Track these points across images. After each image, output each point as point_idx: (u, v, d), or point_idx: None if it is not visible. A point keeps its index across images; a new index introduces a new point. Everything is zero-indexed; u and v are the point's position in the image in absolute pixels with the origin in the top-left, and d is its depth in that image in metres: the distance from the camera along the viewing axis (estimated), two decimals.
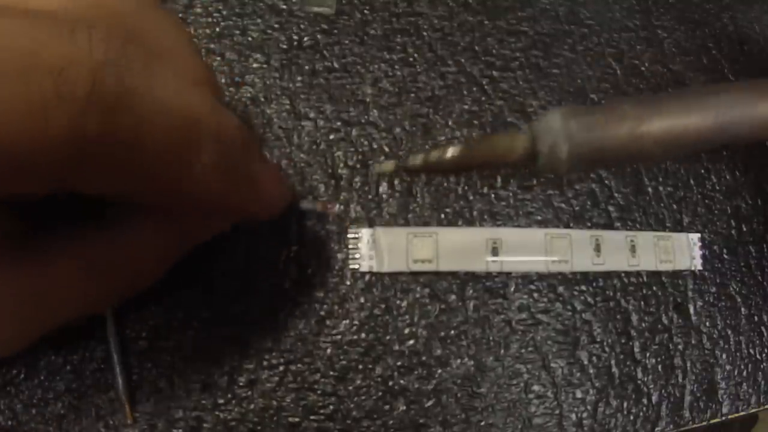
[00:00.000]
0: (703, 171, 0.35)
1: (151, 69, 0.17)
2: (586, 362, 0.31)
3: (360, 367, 0.30)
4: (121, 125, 0.16)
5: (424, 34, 0.35)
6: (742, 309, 0.33)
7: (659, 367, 0.32)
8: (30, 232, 0.20)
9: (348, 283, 0.31)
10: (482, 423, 0.30)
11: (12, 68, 0.14)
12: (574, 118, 0.22)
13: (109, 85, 0.15)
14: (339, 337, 0.30)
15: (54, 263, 0.20)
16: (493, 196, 0.33)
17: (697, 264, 0.33)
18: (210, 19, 0.33)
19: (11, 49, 0.14)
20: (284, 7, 0.34)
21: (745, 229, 0.34)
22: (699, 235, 0.34)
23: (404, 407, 0.30)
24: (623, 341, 0.32)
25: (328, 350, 0.30)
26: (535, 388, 0.31)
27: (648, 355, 0.32)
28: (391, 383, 0.30)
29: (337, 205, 0.31)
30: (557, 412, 0.31)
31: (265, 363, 0.30)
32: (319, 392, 0.30)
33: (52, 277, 0.20)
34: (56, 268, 0.20)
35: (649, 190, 0.34)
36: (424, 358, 0.31)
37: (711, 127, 0.21)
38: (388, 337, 0.30)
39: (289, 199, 0.26)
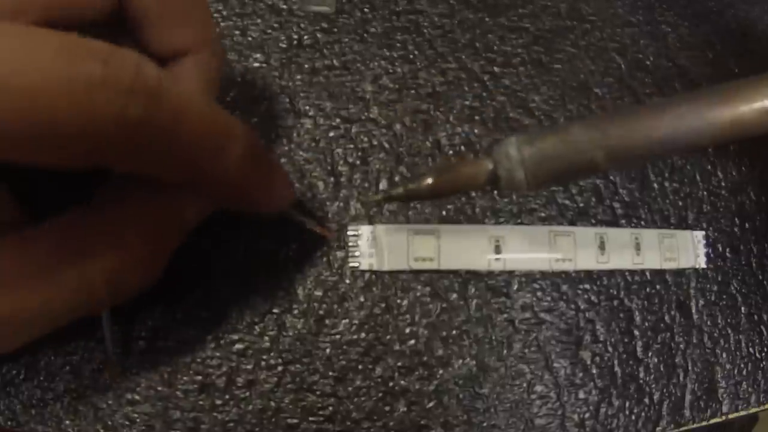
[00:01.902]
0: (709, 167, 0.35)
1: None
2: (589, 362, 0.31)
3: (360, 367, 0.30)
4: (162, 112, 0.18)
5: (425, 31, 0.34)
6: (743, 308, 0.33)
7: (661, 366, 0.31)
8: (27, 222, 0.21)
9: (348, 281, 0.31)
10: (484, 424, 0.30)
11: (63, 54, 0.16)
12: (528, 145, 0.24)
13: (152, 75, 0.17)
14: (338, 336, 0.30)
15: (37, 244, 0.20)
16: (495, 192, 0.33)
17: (701, 262, 0.33)
18: None
19: (62, 37, 0.16)
20: (284, 6, 0.34)
21: (748, 226, 0.34)
22: (703, 232, 0.33)
23: (405, 408, 0.30)
24: (626, 340, 0.32)
25: (328, 350, 0.30)
26: (538, 388, 0.31)
27: (650, 354, 0.32)
28: (391, 384, 0.30)
29: (335, 233, 0.31)
30: (560, 412, 0.30)
31: (263, 363, 0.29)
32: (318, 393, 0.29)
33: (35, 259, 0.20)
34: (39, 249, 0.20)
35: (655, 186, 0.34)
36: (425, 358, 0.30)
37: (658, 142, 0.23)
38: (388, 337, 0.30)
39: (293, 194, 0.27)
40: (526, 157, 0.24)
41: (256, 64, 0.33)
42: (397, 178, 0.32)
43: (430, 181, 0.26)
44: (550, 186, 0.33)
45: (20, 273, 0.19)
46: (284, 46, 0.33)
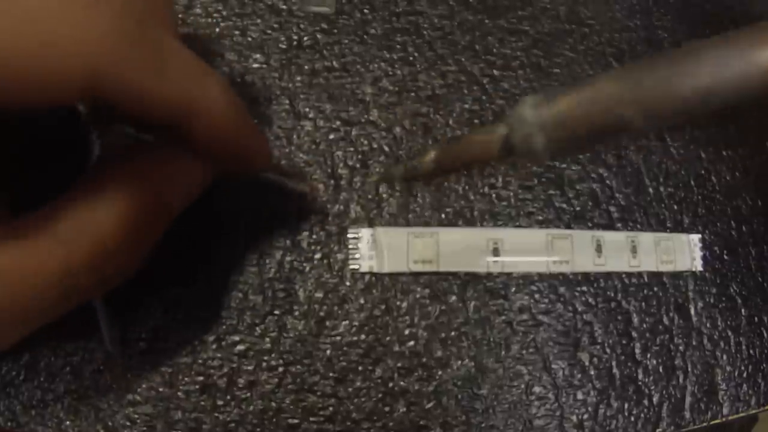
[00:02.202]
0: (703, 172, 0.35)
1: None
2: (587, 363, 0.31)
3: (360, 368, 0.30)
4: (149, 38, 0.19)
5: (425, 33, 0.35)
6: (743, 310, 0.33)
7: (660, 368, 0.32)
8: (13, 216, 0.21)
9: (348, 283, 0.31)
10: (483, 425, 0.30)
11: None
12: (547, 105, 0.21)
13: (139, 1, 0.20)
14: (339, 338, 0.30)
15: (24, 237, 0.20)
16: (494, 195, 0.33)
17: (698, 265, 0.33)
18: (210, 20, 0.33)
19: None
20: (284, 7, 0.34)
21: (745, 229, 0.34)
22: (699, 235, 0.34)
23: (404, 409, 0.30)
24: (624, 342, 0.32)
25: (328, 351, 0.30)
26: (536, 389, 0.31)
27: (649, 356, 0.32)
28: (391, 384, 0.30)
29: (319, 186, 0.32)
30: (558, 413, 0.31)
31: (264, 364, 0.29)
32: (318, 394, 0.30)
33: (22, 251, 0.20)
34: (26, 241, 0.20)
35: (650, 190, 0.34)
36: (424, 359, 0.30)
37: (699, 91, 0.19)
38: (388, 338, 0.30)
39: (269, 152, 0.28)
40: (545, 118, 0.21)
41: (256, 65, 0.33)
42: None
43: (433, 155, 0.23)
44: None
45: (8, 265, 0.19)
46: (284, 46, 0.33)
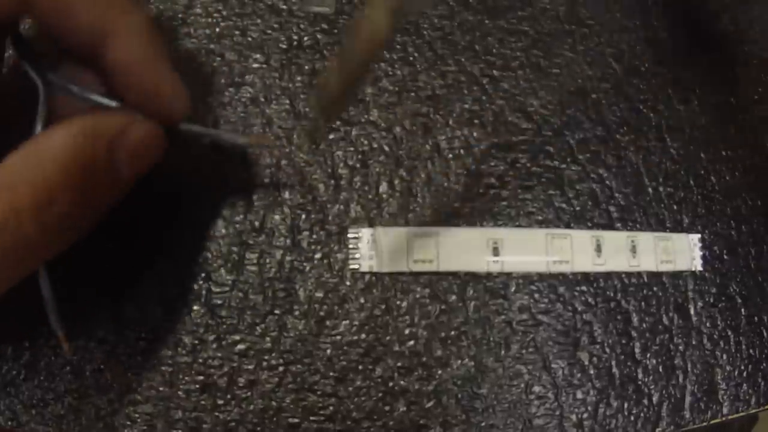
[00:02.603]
0: (703, 172, 0.35)
1: None
2: (586, 363, 0.31)
3: (360, 367, 0.30)
4: None
5: (425, 33, 0.35)
6: (743, 310, 0.33)
7: (660, 367, 0.32)
8: None
9: (348, 283, 0.31)
10: (483, 424, 0.30)
11: None
12: None
13: None
14: (339, 337, 0.30)
15: None
16: (494, 195, 0.33)
17: (698, 265, 0.33)
18: (210, 20, 0.33)
19: None
20: (284, 7, 0.34)
21: (744, 229, 0.34)
22: (699, 235, 0.34)
23: (404, 408, 0.30)
24: (624, 342, 0.32)
25: (328, 351, 0.30)
26: (536, 388, 0.31)
27: (648, 355, 0.32)
28: (391, 384, 0.30)
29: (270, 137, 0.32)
30: (558, 412, 0.31)
31: (264, 364, 0.29)
32: (318, 393, 0.30)
33: None
34: None
35: (650, 190, 0.34)
36: (424, 358, 0.30)
37: None
38: (388, 338, 0.30)
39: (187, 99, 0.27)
40: None
41: (256, 65, 0.33)
42: (397, 181, 0.32)
43: (336, 70, 0.22)
44: None
45: None
46: (284, 46, 0.33)
